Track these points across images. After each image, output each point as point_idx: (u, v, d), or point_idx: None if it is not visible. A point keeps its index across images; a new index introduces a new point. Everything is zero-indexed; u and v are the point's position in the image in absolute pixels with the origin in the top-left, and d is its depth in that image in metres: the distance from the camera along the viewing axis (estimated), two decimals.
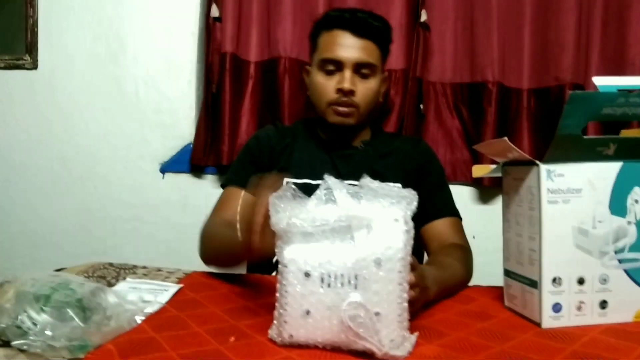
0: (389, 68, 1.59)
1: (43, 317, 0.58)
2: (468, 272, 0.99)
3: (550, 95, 1.55)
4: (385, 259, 0.61)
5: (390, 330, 0.61)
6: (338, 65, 1.09)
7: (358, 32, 1.09)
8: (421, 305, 0.75)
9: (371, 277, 0.61)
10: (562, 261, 0.73)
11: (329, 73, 1.10)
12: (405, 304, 0.63)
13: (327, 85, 1.10)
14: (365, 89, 1.10)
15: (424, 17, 1.58)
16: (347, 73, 1.08)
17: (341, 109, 1.09)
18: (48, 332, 0.57)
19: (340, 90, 1.08)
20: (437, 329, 0.71)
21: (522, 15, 1.57)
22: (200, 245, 1.04)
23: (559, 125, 0.69)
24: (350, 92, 1.08)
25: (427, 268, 0.83)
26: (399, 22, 1.59)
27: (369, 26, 1.10)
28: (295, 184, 1.08)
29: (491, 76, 1.56)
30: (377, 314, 0.60)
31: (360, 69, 1.09)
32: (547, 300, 0.72)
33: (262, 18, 1.64)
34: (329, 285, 0.62)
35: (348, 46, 1.09)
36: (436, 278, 0.81)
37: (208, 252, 1.00)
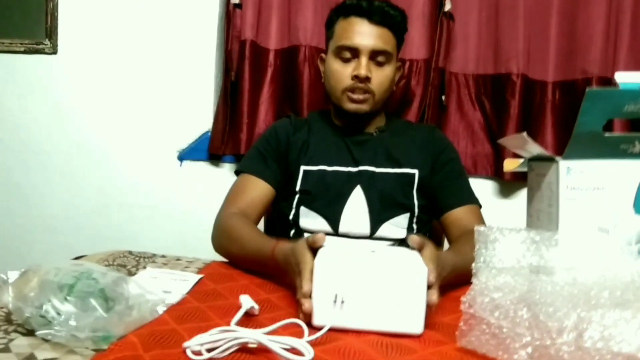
0: (411, 58, 1.57)
1: (67, 307, 0.58)
2: None
3: (577, 88, 1.51)
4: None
5: None
6: (354, 53, 1.11)
7: (375, 20, 1.10)
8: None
9: None
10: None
11: (346, 60, 1.12)
12: None
13: (343, 72, 1.12)
14: (380, 77, 1.12)
15: (448, 6, 1.55)
16: (364, 60, 1.09)
17: (356, 96, 1.11)
18: (72, 323, 0.57)
19: (356, 77, 1.10)
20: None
21: (549, 5, 1.52)
22: (215, 234, 1.05)
23: (576, 122, 0.67)
24: (367, 79, 1.10)
25: (442, 253, 0.84)
26: (422, 12, 1.56)
27: (385, 14, 1.11)
28: (311, 170, 1.12)
29: (516, 68, 1.52)
30: None
31: (376, 57, 1.11)
32: None
33: (283, 5, 1.62)
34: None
35: (365, 33, 1.10)
36: (453, 263, 0.82)
37: (226, 248, 1.01)
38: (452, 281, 0.81)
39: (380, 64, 1.11)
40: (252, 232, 0.97)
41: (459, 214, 1.10)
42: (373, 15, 1.10)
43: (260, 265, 0.89)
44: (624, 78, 0.70)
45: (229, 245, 0.99)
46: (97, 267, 0.67)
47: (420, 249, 0.72)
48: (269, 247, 0.85)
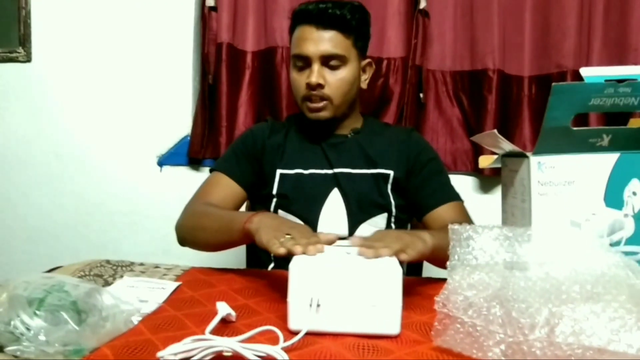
0: (388, 56, 1.58)
1: (37, 322, 0.57)
2: None
3: (552, 82, 1.52)
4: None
5: None
6: (306, 61, 1.09)
7: (321, 24, 1.08)
8: (419, 251, 0.79)
9: None
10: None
11: (301, 69, 1.11)
12: None
13: (299, 81, 1.11)
14: (335, 81, 1.09)
15: (423, 4, 1.55)
16: (314, 67, 1.08)
17: (313, 105, 1.10)
18: (42, 337, 0.56)
19: (308, 85, 1.08)
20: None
21: (522, 0, 1.54)
22: (182, 220, 1.07)
23: (545, 118, 0.68)
24: (319, 86, 1.08)
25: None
26: (397, 10, 1.57)
27: (331, 17, 1.08)
28: (287, 174, 1.11)
29: (492, 64, 1.53)
30: None
31: (329, 62, 1.09)
32: None
33: (258, 7, 1.61)
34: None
35: (312, 40, 1.08)
36: (430, 233, 0.86)
37: (191, 226, 1.04)
38: (437, 246, 0.84)
39: (334, 68, 1.09)
40: (228, 211, 1.04)
41: (440, 213, 1.10)
42: (319, 19, 1.08)
43: (231, 230, 0.92)
44: (589, 72, 0.71)
45: (204, 222, 1.01)
46: (68, 279, 0.66)
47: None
48: (245, 215, 0.90)
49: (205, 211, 1.04)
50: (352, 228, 1.10)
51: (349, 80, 1.11)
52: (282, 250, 0.73)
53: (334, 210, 1.10)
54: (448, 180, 1.17)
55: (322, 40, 1.08)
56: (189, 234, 1.05)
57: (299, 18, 1.11)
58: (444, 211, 1.09)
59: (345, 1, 1.10)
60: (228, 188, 1.12)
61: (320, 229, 1.09)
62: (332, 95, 1.10)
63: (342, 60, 1.09)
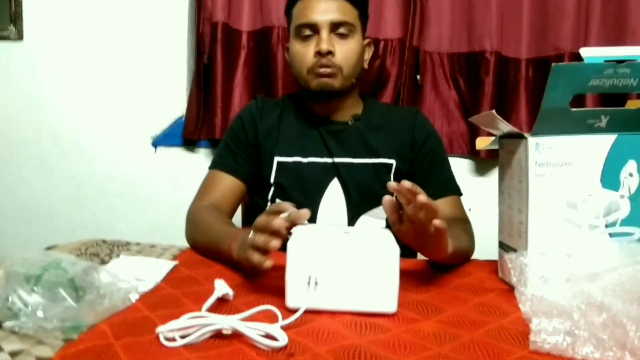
0: (385, 37, 1.56)
1: (34, 298, 0.57)
2: (472, 245, 0.99)
3: (549, 65, 1.51)
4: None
5: None
6: (314, 29, 1.06)
7: None
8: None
9: None
10: (550, 234, 0.73)
11: (306, 39, 1.07)
12: None
13: (305, 52, 1.06)
14: (345, 50, 1.06)
15: None
16: (324, 34, 1.04)
17: (322, 70, 1.05)
18: (40, 313, 0.56)
19: (318, 53, 1.04)
20: (435, 304, 0.71)
21: None
22: (186, 228, 1.03)
23: (544, 98, 0.68)
24: (329, 53, 1.04)
25: None
26: None
27: None
28: (285, 162, 1.08)
29: (489, 46, 1.52)
30: None
31: (338, 29, 1.06)
32: None
33: None
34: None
35: (321, 8, 1.05)
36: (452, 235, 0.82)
37: (194, 240, 0.99)
38: (453, 254, 0.83)
39: (343, 37, 1.06)
40: (217, 223, 0.95)
41: (440, 206, 1.08)
42: None
43: (221, 255, 0.85)
44: (589, 52, 0.71)
45: (197, 237, 0.97)
46: (66, 257, 0.66)
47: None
48: (227, 239, 0.84)
49: (198, 222, 1.00)
50: (352, 219, 1.09)
51: (357, 51, 1.08)
52: (255, 259, 0.71)
53: (333, 201, 1.08)
54: (450, 170, 1.15)
55: (331, 8, 1.05)
56: (193, 246, 0.99)
57: None
58: (442, 204, 1.07)
59: None
60: (226, 184, 1.09)
61: (319, 220, 1.08)
62: (342, 65, 1.06)
63: (350, 29, 1.06)
